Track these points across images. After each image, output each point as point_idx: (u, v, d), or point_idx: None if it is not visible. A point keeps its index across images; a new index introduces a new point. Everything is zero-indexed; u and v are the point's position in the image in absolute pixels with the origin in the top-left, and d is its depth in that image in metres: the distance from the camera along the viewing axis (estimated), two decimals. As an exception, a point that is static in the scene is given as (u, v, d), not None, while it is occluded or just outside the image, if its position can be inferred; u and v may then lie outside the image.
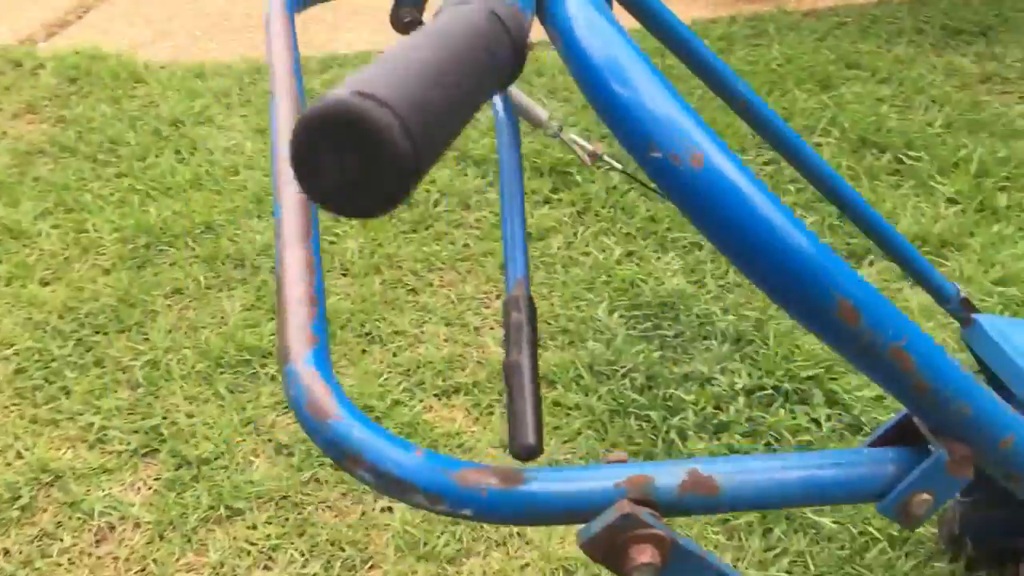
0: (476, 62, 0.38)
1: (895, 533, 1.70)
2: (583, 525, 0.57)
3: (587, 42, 0.44)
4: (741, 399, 1.95)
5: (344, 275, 2.37)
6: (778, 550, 1.68)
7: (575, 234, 2.48)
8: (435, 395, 2.02)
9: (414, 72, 0.35)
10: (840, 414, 1.97)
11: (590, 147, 1.28)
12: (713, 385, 2.01)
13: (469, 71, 0.37)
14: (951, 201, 2.59)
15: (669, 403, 1.96)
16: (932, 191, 2.64)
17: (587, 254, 2.41)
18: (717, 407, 1.97)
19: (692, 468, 0.55)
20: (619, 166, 1.37)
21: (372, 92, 0.33)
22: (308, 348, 0.49)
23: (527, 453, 0.49)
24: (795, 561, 1.68)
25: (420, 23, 0.74)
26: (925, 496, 0.59)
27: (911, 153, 2.77)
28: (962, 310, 1.26)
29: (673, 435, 1.88)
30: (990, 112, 3.00)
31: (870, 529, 1.71)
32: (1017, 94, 3.15)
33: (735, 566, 1.68)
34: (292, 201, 0.54)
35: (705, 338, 2.15)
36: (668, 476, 0.54)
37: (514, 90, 1.13)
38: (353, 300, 2.27)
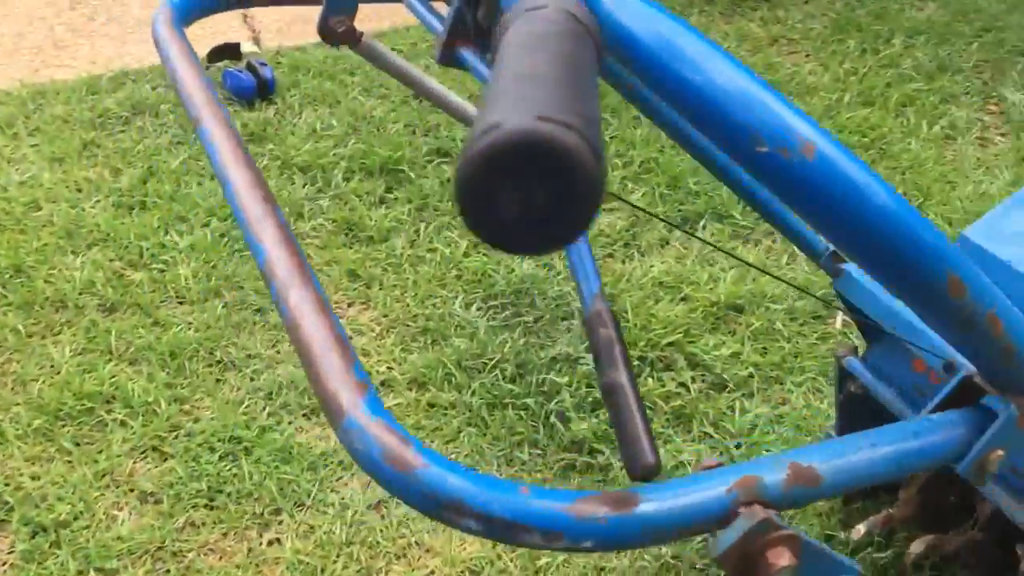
0: (591, 64, 0.35)
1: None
2: (713, 538, 0.54)
3: (662, 44, 0.41)
4: (611, 374, 1.99)
5: (181, 303, 2.24)
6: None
7: (417, 232, 2.45)
8: (304, 415, 1.94)
9: (564, 87, 0.32)
10: (703, 375, 2.04)
11: None
12: (582, 364, 2.03)
13: (590, 73, 0.35)
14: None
15: (543, 388, 1.96)
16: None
17: (433, 250, 2.38)
18: (590, 385, 1.99)
19: (791, 461, 0.54)
20: None
21: (550, 115, 0.29)
22: (360, 396, 0.44)
23: (649, 473, 0.46)
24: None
25: (355, 32, 0.69)
26: (999, 452, 0.60)
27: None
28: (832, 263, 1.32)
29: (554, 419, 1.89)
30: (784, 72, 3.19)
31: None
32: (803, 53, 3.37)
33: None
34: (276, 238, 0.48)
35: (564, 319, 2.17)
36: (772, 473, 0.53)
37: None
38: (197, 328, 2.14)
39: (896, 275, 0.49)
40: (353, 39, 0.68)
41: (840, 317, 2.21)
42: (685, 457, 1.83)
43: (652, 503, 0.47)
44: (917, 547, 1.43)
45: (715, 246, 2.29)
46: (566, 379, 1.97)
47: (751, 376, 2.03)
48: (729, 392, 2.00)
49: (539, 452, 1.85)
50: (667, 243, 2.45)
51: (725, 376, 2.03)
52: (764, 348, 2.11)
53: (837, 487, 0.56)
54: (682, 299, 2.23)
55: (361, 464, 0.45)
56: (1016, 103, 3.03)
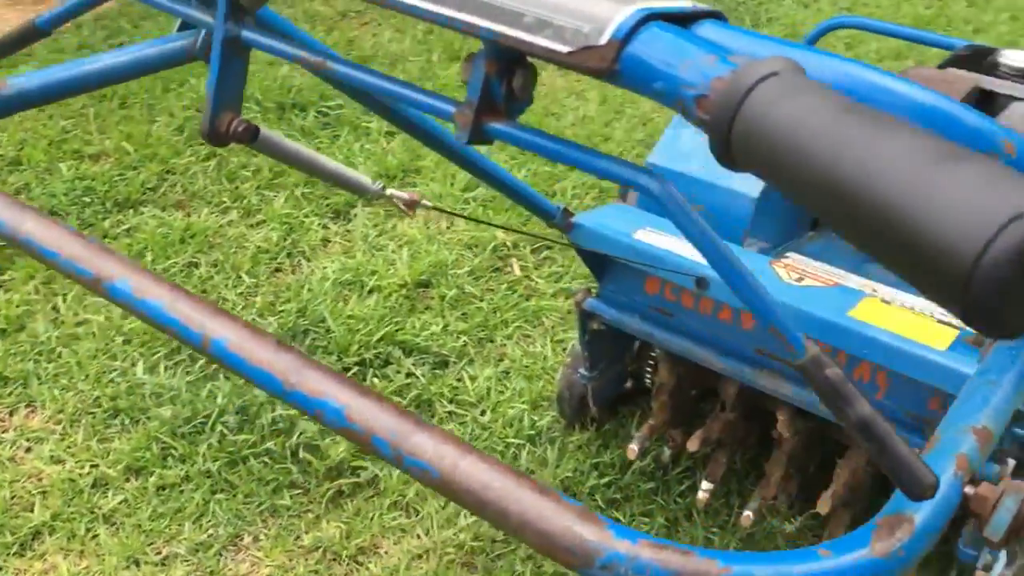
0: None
1: (533, 433, 1.85)
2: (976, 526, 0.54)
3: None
4: (338, 388, 1.91)
5: None
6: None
7: (56, 308, 2.14)
8: (14, 553, 1.64)
9: (944, 157, 0.28)
10: (423, 358, 2.03)
11: (407, 196, 1.12)
12: (304, 388, 1.93)
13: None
14: (389, 135, 2.75)
15: (278, 426, 1.84)
16: (367, 131, 2.77)
17: (85, 323, 2.10)
18: (322, 406, 1.90)
19: (970, 427, 0.54)
20: (435, 208, 1.25)
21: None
22: (599, 524, 0.37)
23: (933, 489, 0.43)
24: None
25: (251, 127, 0.57)
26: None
27: (330, 104, 2.86)
28: (565, 218, 1.37)
29: (303, 453, 1.78)
30: (367, 44, 3.21)
31: (512, 440, 1.83)
32: (375, 23, 3.41)
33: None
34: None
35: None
36: (967, 444, 0.53)
37: (332, 163, 0.92)
38: None
39: None
40: (250, 136, 0.56)
41: (516, 264, 2.31)
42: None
43: (920, 516, 0.46)
44: (693, 444, 1.56)
45: (447, 212, 2.29)
46: (296, 412, 1.86)
47: (465, 344, 2.07)
48: (452, 365, 2.02)
49: (301, 491, 1.74)
50: (328, 241, 2.39)
51: (444, 352, 2.04)
52: (464, 314, 2.15)
53: (1000, 432, 0.60)
54: (370, 291, 2.19)
55: None
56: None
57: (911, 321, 1.25)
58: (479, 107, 0.45)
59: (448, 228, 2.43)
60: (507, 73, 0.45)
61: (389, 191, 1.03)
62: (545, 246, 2.36)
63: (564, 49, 0.40)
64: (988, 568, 1.33)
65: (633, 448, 1.63)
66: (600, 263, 1.49)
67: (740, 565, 0.40)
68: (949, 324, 1.25)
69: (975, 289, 0.27)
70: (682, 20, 0.40)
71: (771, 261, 1.39)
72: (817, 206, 0.34)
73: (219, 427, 1.84)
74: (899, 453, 0.38)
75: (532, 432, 1.85)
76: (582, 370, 1.65)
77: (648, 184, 0.42)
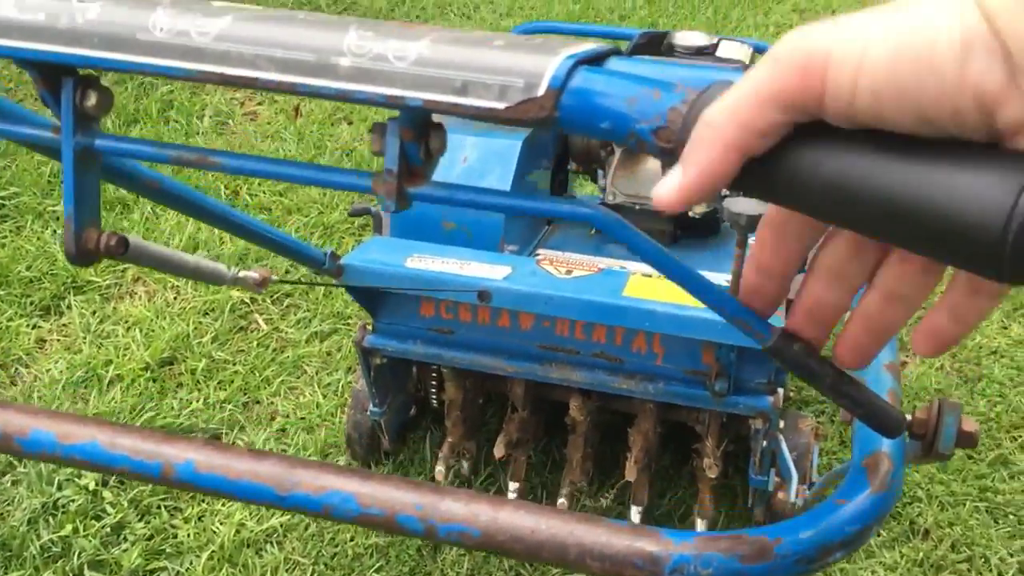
0: None
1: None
2: None
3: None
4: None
5: None
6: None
7: None
8: None
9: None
10: (198, 433, 1.92)
11: (258, 275, 1.00)
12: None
13: None
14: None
15: (53, 551, 1.66)
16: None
17: None
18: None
19: (884, 363, 0.59)
20: (281, 281, 1.13)
21: None
22: (656, 532, 0.37)
23: (904, 424, 0.47)
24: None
25: (118, 239, 0.50)
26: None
27: (2, 194, 2.60)
28: (333, 264, 1.35)
29: (88, 572, 1.62)
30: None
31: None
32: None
33: None
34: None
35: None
36: (887, 379, 0.58)
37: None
38: None
39: None
40: (119, 250, 0.50)
41: (261, 319, 2.24)
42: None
43: (892, 449, 0.51)
44: (499, 450, 1.61)
45: (296, 283, 2.11)
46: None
47: (231, 413, 1.97)
48: (225, 438, 1.92)
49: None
50: (44, 341, 2.18)
51: (212, 426, 1.94)
52: (220, 382, 2.05)
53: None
54: (110, 383, 2.03)
55: None
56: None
57: (673, 289, 1.37)
58: (399, 174, 0.45)
59: (176, 299, 2.30)
60: (423, 136, 0.45)
61: (243, 273, 0.97)
62: (284, 294, 2.31)
63: (501, 106, 0.41)
64: (782, 489, 1.49)
65: (440, 470, 1.65)
66: (372, 298, 1.49)
67: (786, 535, 0.44)
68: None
69: (1009, 252, 0.32)
70: (596, 60, 0.43)
71: (537, 260, 1.46)
72: (817, 208, 0.38)
73: None
74: (870, 401, 0.43)
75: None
76: (372, 407, 1.64)
77: (593, 216, 0.44)
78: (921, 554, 1.72)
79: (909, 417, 0.64)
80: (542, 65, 0.41)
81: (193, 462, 0.47)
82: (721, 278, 1.45)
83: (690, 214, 1.72)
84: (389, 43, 0.42)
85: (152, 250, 0.64)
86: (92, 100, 0.48)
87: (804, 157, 0.37)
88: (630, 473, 1.56)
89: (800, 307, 0.44)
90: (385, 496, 0.44)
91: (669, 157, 0.40)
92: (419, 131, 0.45)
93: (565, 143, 1.84)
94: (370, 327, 1.54)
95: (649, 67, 1.67)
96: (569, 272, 1.42)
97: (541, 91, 0.41)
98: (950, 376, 2.14)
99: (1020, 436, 1.97)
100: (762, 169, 0.39)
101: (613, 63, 0.44)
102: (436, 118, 0.46)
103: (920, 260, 0.40)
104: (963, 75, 0.33)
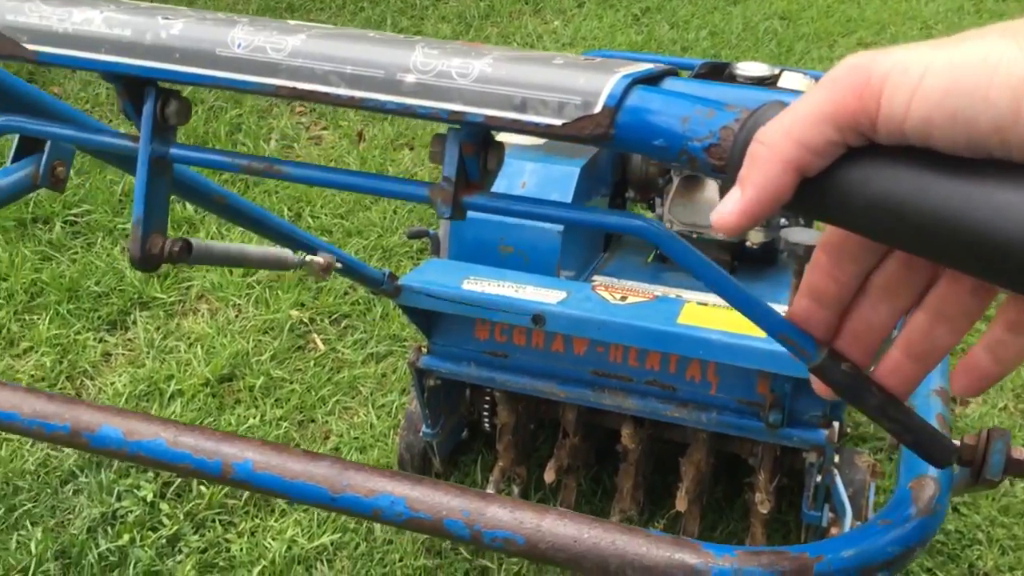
0: None
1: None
2: None
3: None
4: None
5: None
6: None
7: None
8: None
9: None
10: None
11: (323, 261, 1.06)
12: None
13: None
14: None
15: (110, 560, 1.70)
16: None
17: None
18: (153, 528, 1.78)
19: (933, 389, 0.59)
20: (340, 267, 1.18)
21: None
22: (693, 546, 0.38)
23: (954, 453, 0.47)
24: None
25: (183, 244, 0.53)
26: None
27: (76, 211, 2.69)
28: (391, 284, 1.38)
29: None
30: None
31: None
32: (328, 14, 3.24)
33: None
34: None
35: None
36: (935, 405, 0.58)
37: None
38: None
39: None
40: (183, 255, 0.52)
41: (319, 339, 2.28)
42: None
43: (939, 475, 0.52)
44: (549, 475, 1.61)
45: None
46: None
47: (287, 431, 2.01)
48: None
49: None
50: (109, 355, 2.24)
51: (289, 437, 1.97)
52: (277, 400, 2.09)
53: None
54: (171, 398, 2.08)
55: None
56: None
57: (729, 318, 1.37)
58: (456, 183, 0.47)
59: (237, 317, 2.35)
60: (482, 151, 0.47)
61: (308, 258, 1.02)
62: (342, 315, 2.34)
63: (558, 122, 0.43)
64: (835, 525, 1.46)
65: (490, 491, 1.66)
66: (427, 320, 1.51)
67: (828, 552, 0.44)
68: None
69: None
70: (652, 80, 0.44)
71: (592, 286, 1.47)
72: (865, 226, 0.39)
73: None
74: (919, 427, 0.43)
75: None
76: (425, 428, 1.66)
77: (642, 228, 0.45)
78: (980, 598, 1.67)
79: (957, 442, 0.63)
80: (599, 83, 0.42)
81: (251, 462, 0.49)
82: (779, 309, 1.44)
83: (747, 244, 1.72)
84: (453, 61, 0.44)
85: (216, 249, 0.67)
86: (172, 108, 0.50)
87: (852, 174, 0.38)
88: (681, 504, 1.55)
89: (847, 327, 0.45)
90: (432, 501, 0.45)
91: (721, 175, 0.41)
92: (478, 146, 0.47)
93: (623, 170, 1.85)
94: (425, 349, 1.56)
95: (704, 88, 1.68)
96: (624, 298, 1.42)
97: (598, 108, 0.42)
98: (1014, 416, 2.09)
99: (1086, 481, 1.91)
100: (814, 188, 0.39)
101: (669, 83, 0.45)
102: (496, 135, 0.48)
103: (969, 281, 0.41)
104: (1018, 110, 0.35)
